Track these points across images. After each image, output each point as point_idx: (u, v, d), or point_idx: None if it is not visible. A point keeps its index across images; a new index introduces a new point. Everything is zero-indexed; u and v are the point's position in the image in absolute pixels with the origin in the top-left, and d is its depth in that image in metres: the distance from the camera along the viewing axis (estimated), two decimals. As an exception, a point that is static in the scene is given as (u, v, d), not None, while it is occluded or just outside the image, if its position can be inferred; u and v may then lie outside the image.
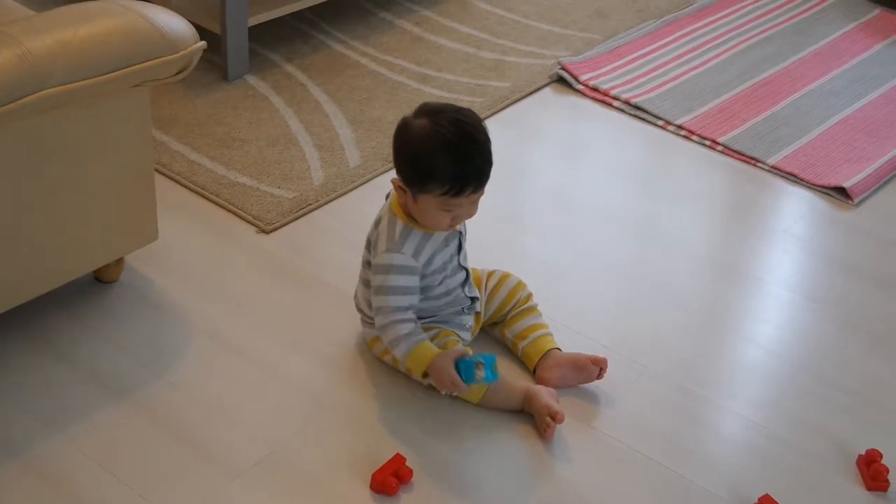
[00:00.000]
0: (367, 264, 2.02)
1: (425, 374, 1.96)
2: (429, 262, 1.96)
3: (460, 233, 2.01)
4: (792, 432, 2.02)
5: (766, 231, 2.59)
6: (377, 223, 2.00)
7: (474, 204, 1.93)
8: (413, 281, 1.95)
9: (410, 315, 1.95)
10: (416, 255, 1.94)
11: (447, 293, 2.02)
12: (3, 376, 1.96)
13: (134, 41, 1.86)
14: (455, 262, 2.02)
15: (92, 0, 1.96)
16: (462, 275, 2.04)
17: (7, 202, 1.84)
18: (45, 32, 1.79)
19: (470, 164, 1.87)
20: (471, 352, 1.96)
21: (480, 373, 1.90)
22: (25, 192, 1.86)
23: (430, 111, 1.90)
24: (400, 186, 1.91)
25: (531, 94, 3.03)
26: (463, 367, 1.91)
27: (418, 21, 3.33)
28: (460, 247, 2.02)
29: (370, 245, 2.01)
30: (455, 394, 1.95)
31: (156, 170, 2.34)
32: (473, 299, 2.07)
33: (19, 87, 1.71)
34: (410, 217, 1.94)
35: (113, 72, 1.84)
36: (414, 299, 1.96)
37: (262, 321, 2.16)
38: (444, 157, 1.85)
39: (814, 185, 2.73)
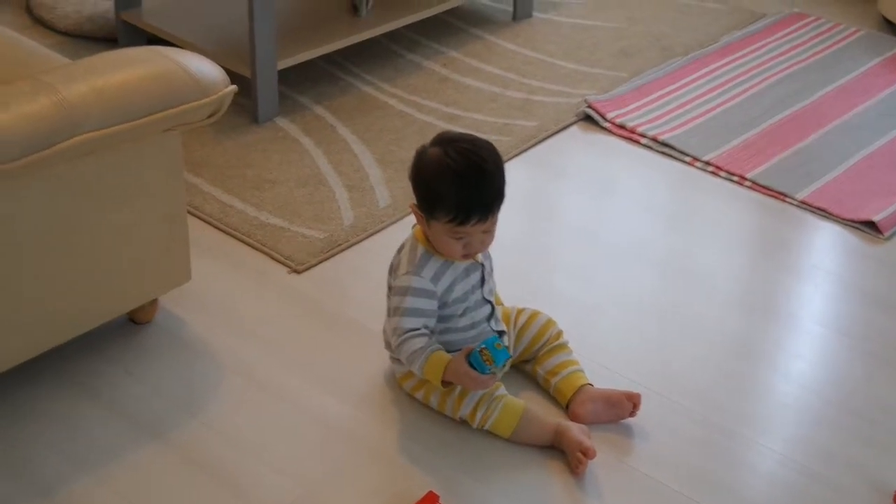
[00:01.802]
0: (389, 289, 2.04)
1: (444, 384, 1.95)
2: (449, 289, 1.98)
3: (482, 265, 2.03)
4: (826, 468, 2.00)
5: (797, 266, 2.58)
6: (400, 249, 2.04)
7: (487, 234, 1.95)
8: (430, 304, 1.97)
9: (423, 331, 1.96)
10: (434, 280, 1.96)
11: (472, 326, 2.03)
12: (38, 418, 1.99)
13: (166, 86, 1.90)
14: (479, 295, 2.03)
15: (125, 48, 2.00)
16: (487, 308, 2.05)
17: (43, 245, 1.87)
18: (80, 80, 1.83)
19: (474, 194, 1.90)
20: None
21: (489, 360, 1.89)
22: (61, 236, 1.89)
23: (444, 140, 1.95)
24: (416, 211, 1.96)
25: (558, 132, 3.05)
26: (474, 362, 1.90)
27: (445, 62, 3.36)
28: (483, 280, 2.03)
29: (392, 269, 2.04)
30: (483, 390, 1.95)
31: (188, 212, 2.37)
32: (500, 333, 2.08)
33: (55, 133, 1.75)
34: (432, 244, 1.97)
35: (146, 116, 1.87)
36: (429, 322, 1.98)
37: (293, 360, 2.17)
38: (449, 186, 1.88)
39: (843, 219, 2.73)
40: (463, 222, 1.89)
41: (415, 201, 1.97)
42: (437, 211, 1.90)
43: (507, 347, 1.93)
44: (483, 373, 1.90)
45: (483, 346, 1.90)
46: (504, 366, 1.93)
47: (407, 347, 1.95)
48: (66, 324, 1.99)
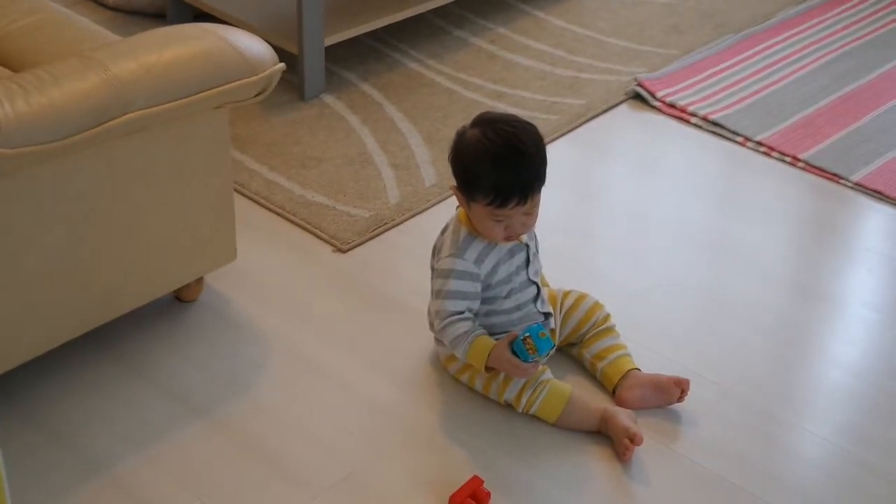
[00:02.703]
0: (432, 271, 2.03)
1: (488, 369, 1.95)
2: (492, 271, 1.96)
3: (527, 245, 2.00)
4: (875, 456, 1.97)
5: (850, 250, 2.53)
6: (444, 230, 2.03)
7: (529, 216, 1.93)
8: (473, 287, 1.95)
9: (467, 315, 1.95)
10: (478, 262, 1.95)
11: (518, 308, 2.02)
12: (87, 394, 2.00)
13: (215, 64, 1.89)
14: (524, 277, 2.01)
15: (175, 25, 1.99)
16: (533, 290, 2.03)
17: (92, 224, 1.87)
18: (130, 57, 1.82)
19: (512, 176, 1.87)
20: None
21: (532, 349, 1.87)
22: (110, 214, 1.89)
23: (484, 121, 1.93)
24: (457, 192, 1.94)
25: (607, 110, 3.01)
26: (517, 349, 1.89)
27: (493, 39, 3.33)
28: (528, 261, 2.01)
29: (435, 251, 2.03)
30: (525, 377, 1.94)
31: (234, 189, 2.37)
32: (547, 315, 2.06)
33: (105, 110, 1.75)
34: (474, 226, 1.96)
35: (195, 94, 1.87)
36: (473, 304, 1.96)
37: (338, 340, 2.17)
38: (487, 168, 1.86)
39: (899, 202, 2.67)
40: (502, 205, 1.88)
41: (455, 183, 1.95)
42: (475, 193, 1.89)
43: (550, 336, 1.90)
44: (525, 361, 1.89)
45: (527, 333, 1.88)
46: (548, 354, 1.91)
47: (451, 332, 1.94)
48: (113, 301, 2.00)
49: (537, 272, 2.06)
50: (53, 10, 2.29)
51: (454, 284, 1.95)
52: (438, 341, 2.07)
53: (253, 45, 1.96)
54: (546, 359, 1.98)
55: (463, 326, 1.94)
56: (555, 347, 1.96)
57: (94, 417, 1.96)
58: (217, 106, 1.94)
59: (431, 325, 2.07)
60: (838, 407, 2.09)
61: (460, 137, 1.93)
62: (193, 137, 1.97)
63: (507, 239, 1.95)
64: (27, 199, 1.77)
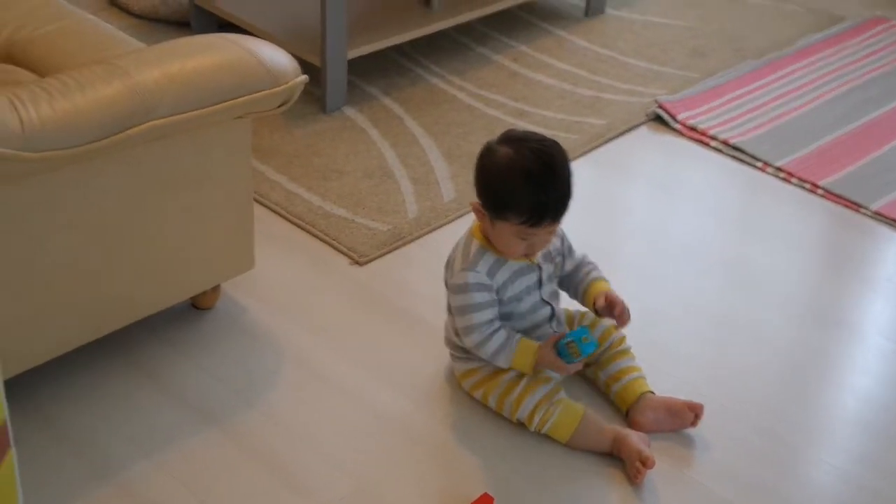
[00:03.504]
0: (446, 285, 2.03)
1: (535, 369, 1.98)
2: (503, 286, 1.96)
3: (539, 266, 2.00)
4: (889, 486, 1.95)
5: (868, 279, 2.52)
6: (457, 245, 2.02)
7: (551, 233, 1.94)
8: (490, 296, 1.96)
9: (497, 324, 1.96)
10: (489, 275, 1.95)
11: (533, 328, 2.01)
12: (100, 399, 2.00)
13: (239, 74, 1.90)
14: (536, 297, 2.01)
15: (199, 34, 2.00)
16: (547, 310, 2.03)
17: (111, 229, 1.88)
18: (154, 65, 1.83)
19: (549, 196, 1.87)
20: (565, 332, 1.97)
21: (576, 352, 1.92)
22: (129, 220, 1.90)
23: (513, 139, 1.91)
24: (479, 210, 1.92)
25: (627, 132, 3.01)
26: (562, 353, 1.93)
27: (515, 57, 3.33)
28: (540, 282, 2.01)
29: (448, 265, 2.03)
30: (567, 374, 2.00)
31: (254, 199, 2.38)
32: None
33: (128, 117, 1.76)
34: (488, 241, 1.96)
35: (217, 104, 1.87)
36: (495, 311, 1.96)
37: (353, 352, 2.17)
38: (524, 188, 1.85)
39: (918, 232, 2.66)
40: (535, 224, 1.87)
41: (478, 200, 1.94)
42: (507, 212, 1.88)
43: (595, 340, 1.94)
44: (569, 363, 1.93)
45: (570, 339, 1.92)
46: (591, 355, 1.97)
47: (490, 345, 1.94)
48: (130, 307, 2.00)
49: (554, 294, 2.06)
50: (79, 17, 2.31)
51: (475, 297, 1.94)
52: (454, 356, 2.07)
53: (276, 57, 1.97)
54: (591, 358, 2.02)
55: (500, 335, 1.95)
56: (599, 348, 2.01)
57: (107, 422, 1.96)
58: (239, 116, 1.95)
59: (448, 341, 2.07)
60: (853, 435, 2.08)
61: (489, 156, 1.91)
62: (215, 146, 1.98)
63: (525, 256, 1.95)
64: (48, 202, 1.78)
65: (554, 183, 1.86)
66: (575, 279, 2.09)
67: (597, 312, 2.04)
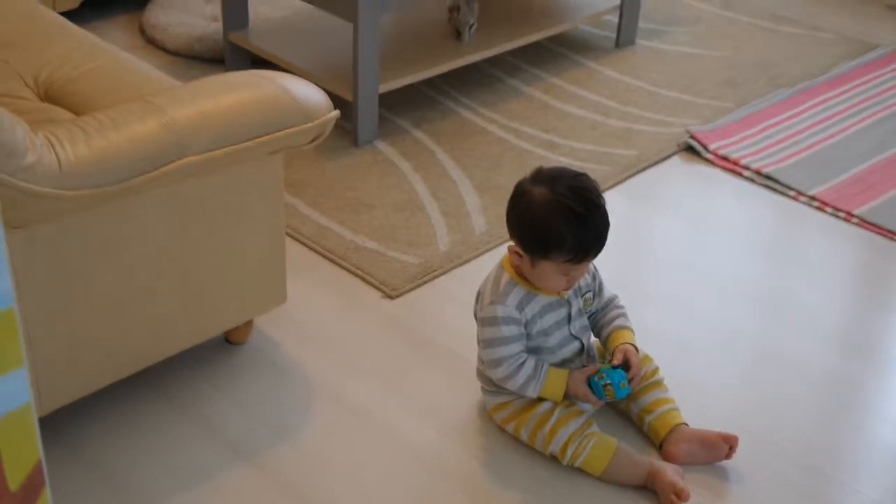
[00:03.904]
0: (475, 318, 2.04)
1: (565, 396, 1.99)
2: (532, 320, 1.96)
3: (569, 302, 2.00)
4: (932, 522, 1.93)
5: (904, 308, 2.50)
6: (487, 278, 2.03)
7: (588, 266, 1.96)
8: (519, 330, 1.96)
9: (524, 356, 1.96)
10: (519, 308, 1.95)
11: (562, 363, 2.01)
12: (134, 434, 2.02)
13: (271, 111, 1.92)
14: (566, 332, 2.01)
15: (232, 71, 2.03)
16: (576, 345, 2.03)
17: (146, 265, 1.90)
18: (188, 103, 1.86)
19: (593, 232, 1.88)
20: (599, 367, 1.98)
21: (610, 394, 1.95)
22: (163, 256, 1.92)
23: (545, 178, 1.91)
24: (517, 252, 1.92)
25: (658, 162, 3.01)
26: (595, 388, 1.95)
27: (546, 88, 3.35)
28: (570, 317, 2.01)
29: (478, 298, 2.03)
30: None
31: (286, 233, 2.40)
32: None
33: (163, 155, 1.78)
34: (519, 275, 1.96)
35: (250, 140, 1.90)
36: (523, 345, 1.97)
37: (384, 386, 2.17)
38: (569, 227, 1.85)
39: (955, 260, 2.63)
40: (581, 260, 1.89)
41: (515, 243, 1.94)
42: (552, 252, 1.88)
43: (630, 387, 1.96)
44: (600, 399, 1.97)
45: (608, 381, 1.94)
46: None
47: (519, 376, 1.95)
48: (164, 342, 2.02)
49: (584, 329, 2.06)
50: (116, 56, 2.35)
51: (504, 330, 1.95)
52: (486, 390, 2.07)
53: (308, 93, 1.99)
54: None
55: (528, 366, 1.95)
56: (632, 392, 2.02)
57: (141, 457, 1.97)
58: (272, 151, 1.97)
59: (479, 374, 2.07)
60: (889, 467, 2.05)
61: (525, 198, 1.90)
62: (248, 181, 2.00)
63: (566, 289, 1.96)
64: (84, 239, 1.80)
65: (597, 219, 1.87)
66: (601, 321, 2.10)
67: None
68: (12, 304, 1.03)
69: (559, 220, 1.86)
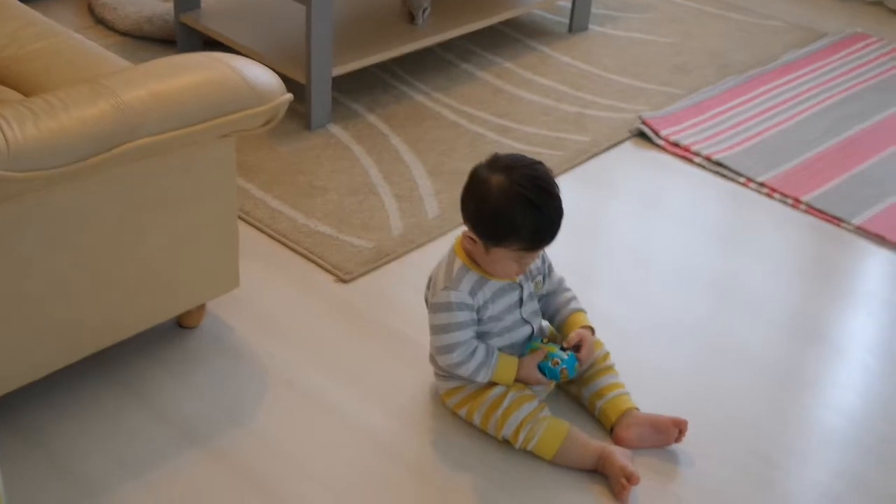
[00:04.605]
0: (426, 303, 2.04)
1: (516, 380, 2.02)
2: (483, 306, 1.97)
3: (520, 285, 2.01)
4: (871, 502, 1.96)
5: (850, 294, 2.54)
6: (439, 264, 2.03)
7: (540, 253, 1.99)
8: (471, 316, 1.97)
9: (475, 342, 1.97)
10: (472, 294, 1.96)
11: (511, 346, 2.03)
12: (86, 418, 2.00)
13: (224, 93, 1.90)
14: (517, 316, 2.02)
15: (184, 53, 2.01)
16: (527, 329, 2.04)
17: (98, 248, 1.88)
18: (140, 84, 1.84)
19: (550, 222, 1.89)
20: (547, 350, 2.01)
21: (565, 376, 2.01)
22: (114, 239, 1.90)
23: (502, 165, 1.91)
24: (470, 237, 1.93)
25: (610, 148, 3.03)
26: (547, 371, 1.99)
27: (499, 73, 3.35)
28: (521, 301, 2.02)
29: (430, 283, 2.04)
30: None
31: (238, 217, 2.38)
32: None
33: (114, 137, 1.76)
34: (471, 260, 1.97)
35: (202, 123, 1.88)
36: (475, 330, 1.98)
37: (337, 370, 2.17)
38: (525, 216, 1.86)
39: (900, 247, 2.68)
40: (536, 248, 1.90)
41: (469, 230, 1.94)
42: (507, 240, 1.88)
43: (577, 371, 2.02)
44: (551, 379, 2.01)
45: (564, 366, 1.98)
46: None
47: (471, 363, 1.96)
48: (116, 326, 2.00)
49: (535, 313, 2.07)
50: (65, 35, 2.31)
51: (458, 315, 1.95)
52: (438, 375, 2.07)
53: (261, 76, 1.97)
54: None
55: (480, 352, 1.96)
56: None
57: (92, 441, 1.96)
58: (224, 134, 1.95)
59: (432, 359, 2.08)
60: (835, 452, 2.09)
61: (481, 185, 1.90)
62: (200, 165, 1.98)
63: (517, 274, 1.97)
64: (32, 222, 1.78)
65: (553, 209, 1.88)
66: (552, 304, 2.11)
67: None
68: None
69: (516, 209, 1.86)
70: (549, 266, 2.11)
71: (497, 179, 1.88)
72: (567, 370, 1.98)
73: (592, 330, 2.08)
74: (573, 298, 2.12)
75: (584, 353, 2.01)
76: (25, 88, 2.13)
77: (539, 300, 2.10)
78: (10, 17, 2.37)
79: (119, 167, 1.82)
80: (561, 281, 2.13)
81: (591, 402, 2.09)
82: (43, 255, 1.81)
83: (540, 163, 1.92)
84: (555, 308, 2.11)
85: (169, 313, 2.11)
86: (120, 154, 1.78)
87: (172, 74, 1.89)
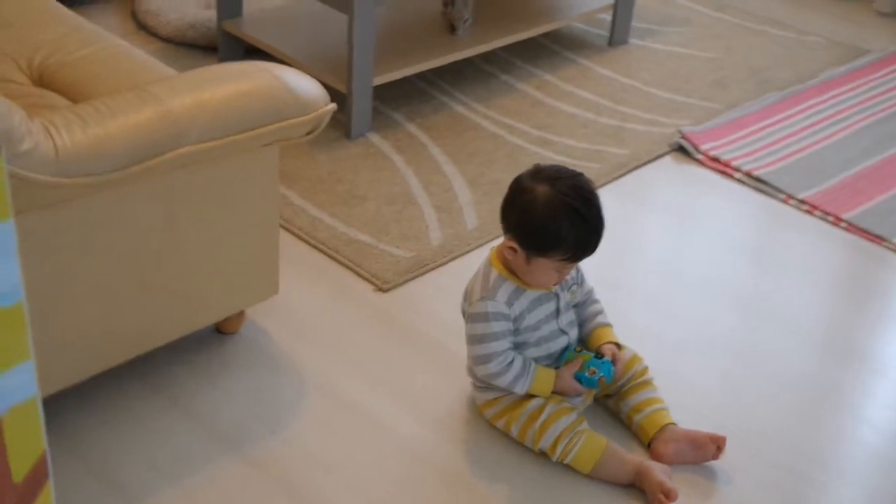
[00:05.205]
0: (463, 315, 2.04)
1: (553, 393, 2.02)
2: (520, 315, 1.97)
3: (557, 296, 2.01)
4: (915, 526, 1.95)
5: (890, 313, 2.51)
6: (476, 274, 2.03)
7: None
8: (508, 326, 1.97)
9: (513, 353, 1.97)
10: (508, 304, 1.96)
11: (549, 357, 2.03)
12: (124, 423, 2.02)
13: (268, 102, 1.92)
14: (554, 326, 2.02)
15: (229, 62, 2.03)
16: (564, 340, 2.04)
17: (140, 254, 1.90)
18: (185, 92, 1.85)
19: (594, 233, 1.90)
20: (583, 359, 2.02)
21: (604, 386, 2.02)
22: (157, 245, 1.92)
23: (545, 176, 1.91)
24: (511, 247, 1.93)
25: (650, 162, 3.02)
26: (585, 381, 2.00)
27: (539, 85, 3.35)
28: (558, 311, 2.02)
29: (467, 295, 2.04)
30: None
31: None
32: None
33: (159, 144, 1.78)
34: (508, 270, 1.97)
35: (247, 131, 1.89)
36: (511, 341, 1.98)
37: (375, 379, 2.17)
38: (571, 227, 1.87)
39: (942, 267, 2.65)
40: (579, 258, 1.91)
41: (511, 239, 1.93)
42: (552, 250, 1.89)
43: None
44: (590, 388, 2.01)
45: (602, 374, 1.99)
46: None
47: (508, 374, 1.96)
48: (156, 331, 2.01)
49: (571, 323, 2.06)
50: (110, 42, 2.34)
51: (494, 326, 1.95)
52: (476, 386, 2.07)
53: (305, 85, 1.98)
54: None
55: (518, 363, 1.96)
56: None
57: (130, 447, 1.97)
58: (268, 143, 1.96)
59: (469, 370, 2.08)
60: (872, 471, 2.07)
61: (526, 195, 1.90)
62: (243, 173, 2.00)
63: (555, 284, 1.98)
64: (78, 227, 1.79)
65: (598, 220, 1.89)
66: (580, 316, 2.11)
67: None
68: (21, 298, 1.03)
69: (562, 219, 1.86)
70: (582, 276, 2.10)
71: (542, 190, 1.88)
72: (605, 377, 1.98)
73: (619, 346, 2.07)
74: (600, 312, 2.11)
75: (618, 369, 2.02)
76: (72, 94, 2.15)
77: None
78: (57, 21, 2.40)
79: (163, 174, 1.84)
80: (590, 292, 2.13)
81: (629, 417, 2.08)
82: (84, 260, 1.83)
83: (582, 174, 1.92)
84: (581, 320, 2.10)
85: (208, 319, 2.12)
86: (165, 161, 1.80)
87: (217, 83, 1.91)
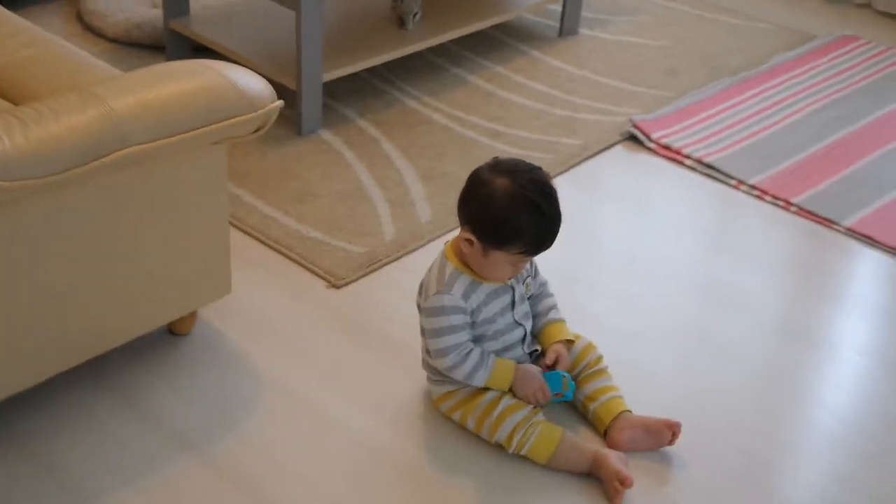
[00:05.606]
0: (419, 308, 2.04)
1: (510, 389, 2.00)
2: (477, 309, 1.97)
3: (512, 288, 2.01)
4: (863, 502, 1.97)
5: (841, 295, 2.54)
6: (430, 268, 2.03)
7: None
8: (465, 319, 1.97)
9: (471, 346, 1.97)
10: (465, 297, 1.96)
11: (505, 349, 2.03)
12: (77, 426, 1.99)
13: (214, 100, 1.90)
14: (510, 318, 2.02)
15: (174, 60, 2.01)
16: (520, 331, 2.04)
17: (88, 256, 1.88)
18: (129, 92, 1.83)
19: (553, 227, 1.90)
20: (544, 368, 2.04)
21: (565, 387, 2.01)
22: (105, 247, 1.90)
23: (507, 169, 1.90)
24: (468, 239, 1.92)
25: (602, 151, 3.03)
26: (553, 381, 2.00)
27: (490, 77, 3.35)
28: (514, 303, 2.02)
29: (422, 289, 2.03)
30: (540, 404, 2.01)
31: (229, 223, 2.38)
32: (532, 353, 2.08)
33: (103, 145, 1.76)
34: (463, 263, 1.97)
35: (193, 130, 1.87)
36: (469, 334, 1.98)
37: (330, 376, 2.17)
38: (531, 220, 1.87)
39: (890, 247, 2.68)
40: (536, 252, 1.91)
41: (468, 232, 1.92)
42: (510, 244, 1.88)
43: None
44: (553, 391, 2.00)
45: (566, 375, 2.01)
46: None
47: (465, 366, 1.96)
48: (107, 333, 1.99)
49: (526, 314, 2.07)
50: (52, 43, 2.31)
51: (451, 319, 1.95)
52: (431, 379, 2.07)
53: (252, 82, 1.97)
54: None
55: (475, 355, 1.96)
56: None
57: (84, 449, 1.95)
58: (215, 142, 1.95)
59: (425, 364, 2.07)
60: (827, 452, 2.09)
61: (485, 188, 1.89)
62: (191, 172, 1.98)
63: (510, 277, 1.98)
64: (23, 231, 1.77)
65: (554, 212, 1.89)
66: (534, 310, 2.11)
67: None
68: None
69: (522, 213, 1.86)
70: (535, 268, 2.11)
71: (502, 182, 1.88)
72: (570, 386, 2.02)
73: (571, 340, 2.08)
74: (553, 307, 2.12)
75: (563, 366, 2.04)
76: (13, 97, 2.12)
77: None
78: (-2, 24, 2.36)
79: (109, 175, 1.82)
80: (544, 284, 2.13)
81: (584, 406, 2.09)
82: (33, 263, 1.80)
83: (540, 168, 1.93)
84: (535, 314, 2.11)
85: (160, 320, 2.10)
86: (110, 162, 1.78)
87: (162, 82, 1.89)
